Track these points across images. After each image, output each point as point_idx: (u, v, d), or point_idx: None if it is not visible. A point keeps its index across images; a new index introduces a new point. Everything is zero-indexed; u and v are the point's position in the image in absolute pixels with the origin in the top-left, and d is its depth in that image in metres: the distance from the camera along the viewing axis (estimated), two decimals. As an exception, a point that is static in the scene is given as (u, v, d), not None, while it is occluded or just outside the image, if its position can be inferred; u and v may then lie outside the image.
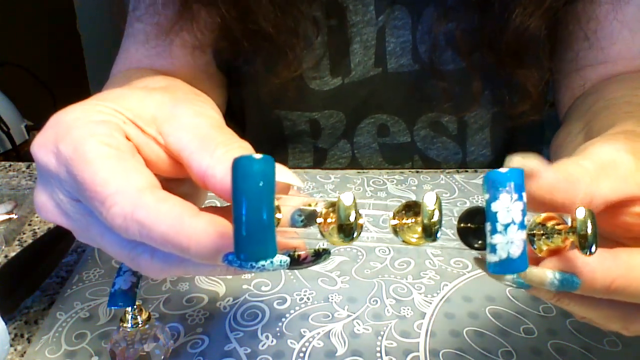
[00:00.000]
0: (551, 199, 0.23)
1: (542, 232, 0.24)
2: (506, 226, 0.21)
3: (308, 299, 0.40)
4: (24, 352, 0.36)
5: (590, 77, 0.53)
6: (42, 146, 0.25)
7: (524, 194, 0.21)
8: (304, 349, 0.35)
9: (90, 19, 1.35)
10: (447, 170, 0.56)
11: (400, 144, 0.60)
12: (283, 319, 0.38)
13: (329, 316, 0.38)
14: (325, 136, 0.59)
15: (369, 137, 0.60)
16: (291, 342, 0.36)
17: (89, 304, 0.39)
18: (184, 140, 0.24)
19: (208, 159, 0.23)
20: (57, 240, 0.44)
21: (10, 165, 0.58)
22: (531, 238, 0.24)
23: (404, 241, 0.25)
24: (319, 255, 0.24)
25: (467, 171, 0.56)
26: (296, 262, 0.24)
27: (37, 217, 0.50)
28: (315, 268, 0.42)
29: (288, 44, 0.51)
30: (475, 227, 0.24)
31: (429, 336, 0.36)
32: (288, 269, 0.24)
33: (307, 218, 0.24)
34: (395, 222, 0.25)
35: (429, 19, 0.53)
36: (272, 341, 0.36)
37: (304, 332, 0.37)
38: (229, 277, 0.42)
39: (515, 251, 0.21)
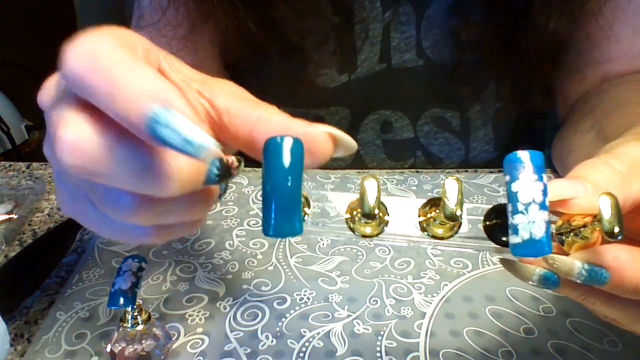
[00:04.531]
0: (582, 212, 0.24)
1: (569, 229, 0.24)
2: (527, 205, 0.21)
3: (308, 299, 0.40)
4: (24, 352, 0.36)
5: (591, 77, 0.53)
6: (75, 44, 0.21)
7: (544, 176, 0.21)
8: (304, 349, 0.35)
9: (90, 19, 1.35)
10: (447, 170, 0.56)
11: (403, 140, 0.59)
12: (283, 319, 0.38)
13: (329, 316, 0.38)
14: None
15: (373, 134, 0.60)
16: (291, 342, 0.36)
17: (89, 304, 0.39)
18: (233, 99, 0.24)
19: (262, 111, 0.23)
20: (57, 240, 0.44)
21: (10, 165, 0.58)
22: (560, 238, 0.24)
23: (432, 236, 0.25)
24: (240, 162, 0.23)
25: (467, 171, 0.56)
26: (226, 168, 0.22)
27: (37, 217, 0.50)
28: (315, 268, 0.42)
29: (314, 49, 0.52)
30: (501, 222, 0.24)
31: (429, 336, 0.36)
32: (218, 176, 0.22)
33: (223, 173, 0.23)
34: (421, 218, 0.25)
35: (433, 14, 0.53)
36: (272, 341, 0.36)
37: (304, 332, 0.37)
38: (229, 276, 0.42)
39: (538, 231, 0.21)
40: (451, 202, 0.23)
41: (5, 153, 1.16)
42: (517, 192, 0.21)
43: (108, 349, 0.34)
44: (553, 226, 0.24)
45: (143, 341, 0.33)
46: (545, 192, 0.21)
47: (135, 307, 0.33)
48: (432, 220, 0.25)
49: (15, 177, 0.54)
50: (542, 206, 0.21)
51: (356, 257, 0.44)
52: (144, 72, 0.20)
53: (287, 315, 0.38)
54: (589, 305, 0.26)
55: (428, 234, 0.25)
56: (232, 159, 0.22)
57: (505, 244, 0.24)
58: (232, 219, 0.49)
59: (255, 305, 0.39)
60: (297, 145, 0.21)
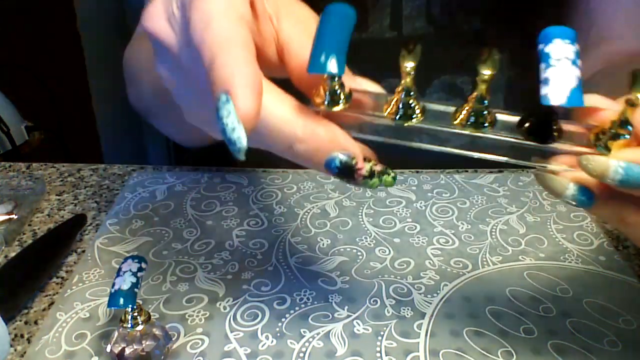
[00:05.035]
0: None
1: (603, 133, 0.24)
2: (558, 60, 0.22)
3: (308, 299, 0.40)
4: (24, 352, 0.36)
5: (593, 57, 0.53)
6: None
7: (576, 44, 0.23)
8: (304, 349, 0.35)
9: (90, 19, 1.35)
10: (447, 170, 0.56)
11: None
12: (283, 319, 0.38)
13: (329, 316, 0.38)
14: None
15: None
16: (291, 342, 0.36)
17: (89, 304, 0.39)
18: (294, 34, 0.27)
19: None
20: (57, 240, 0.44)
21: (10, 166, 0.58)
22: (598, 146, 0.24)
23: (474, 123, 0.26)
24: (372, 175, 0.27)
25: (467, 171, 0.56)
26: (350, 170, 0.26)
27: (37, 217, 0.50)
28: (315, 268, 0.42)
29: None
30: (535, 121, 0.25)
31: (429, 336, 0.36)
32: (338, 176, 0.26)
33: (343, 171, 0.26)
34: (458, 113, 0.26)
35: None
36: (272, 341, 0.36)
37: (304, 332, 0.37)
38: (229, 276, 0.42)
39: (570, 83, 0.22)
40: (485, 62, 0.25)
41: (5, 153, 1.16)
42: (549, 52, 0.23)
43: (108, 349, 0.34)
44: (590, 136, 0.25)
45: (143, 341, 0.33)
46: (577, 54, 0.22)
47: (135, 307, 0.33)
48: (468, 110, 0.26)
49: (15, 177, 0.54)
50: (574, 63, 0.22)
51: (356, 257, 0.44)
52: (233, 60, 0.23)
53: (287, 315, 0.38)
54: (627, 229, 0.25)
55: (470, 121, 0.26)
56: (365, 167, 0.26)
57: (545, 140, 0.24)
58: (232, 219, 0.49)
59: (255, 306, 0.39)
60: (350, 11, 0.25)
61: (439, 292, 0.40)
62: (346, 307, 0.39)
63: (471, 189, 0.53)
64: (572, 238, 0.46)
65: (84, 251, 0.45)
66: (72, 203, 0.52)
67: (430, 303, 0.39)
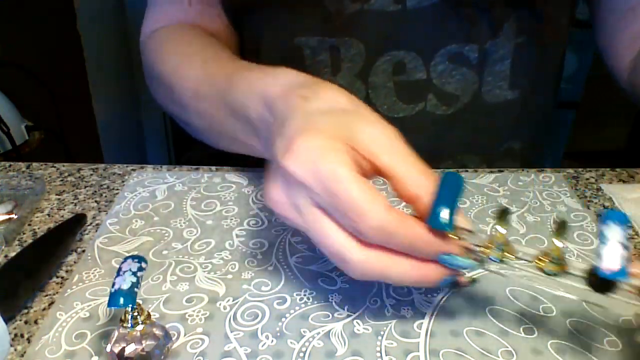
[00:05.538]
0: None
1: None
2: (610, 242, 0.29)
3: (308, 299, 0.40)
4: (24, 352, 0.36)
5: None
6: (301, 163, 0.31)
7: (626, 229, 0.29)
8: (304, 349, 0.35)
9: (90, 19, 1.35)
10: (446, 171, 0.56)
11: (415, 80, 0.58)
12: (283, 319, 0.38)
13: (329, 316, 0.38)
14: (344, 71, 0.58)
15: (385, 77, 0.58)
16: (291, 342, 0.36)
17: (89, 304, 0.39)
18: (396, 161, 0.33)
19: (419, 189, 0.33)
20: (57, 240, 0.44)
21: (10, 165, 0.58)
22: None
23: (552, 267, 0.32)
24: (472, 282, 0.36)
25: (467, 171, 0.56)
26: (455, 283, 0.34)
27: (37, 217, 0.50)
28: (315, 268, 0.43)
29: None
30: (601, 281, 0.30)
31: (429, 336, 0.36)
32: (448, 286, 0.35)
33: (453, 286, 0.38)
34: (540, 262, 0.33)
35: None
36: (272, 341, 0.36)
37: (304, 332, 0.37)
38: (229, 276, 0.42)
39: (617, 263, 0.28)
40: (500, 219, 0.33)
41: (5, 153, 1.16)
42: (605, 232, 0.29)
43: (108, 349, 0.34)
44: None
45: (143, 341, 0.33)
46: (627, 238, 0.29)
47: (135, 306, 0.33)
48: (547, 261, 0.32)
49: (15, 177, 0.54)
50: (624, 245, 0.29)
51: (356, 257, 0.44)
52: (427, 242, 0.32)
53: (287, 315, 0.38)
54: None
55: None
56: (465, 280, 0.35)
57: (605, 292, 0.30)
58: (232, 219, 0.49)
59: (255, 305, 0.39)
60: (461, 179, 0.34)
61: (439, 291, 0.40)
62: (346, 307, 0.39)
63: (471, 188, 0.53)
64: (572, 238, 0.46)
65: (84, 251, 0.45)
66: (72, 203, 0.52)
67: (430, 303, 0.39)
